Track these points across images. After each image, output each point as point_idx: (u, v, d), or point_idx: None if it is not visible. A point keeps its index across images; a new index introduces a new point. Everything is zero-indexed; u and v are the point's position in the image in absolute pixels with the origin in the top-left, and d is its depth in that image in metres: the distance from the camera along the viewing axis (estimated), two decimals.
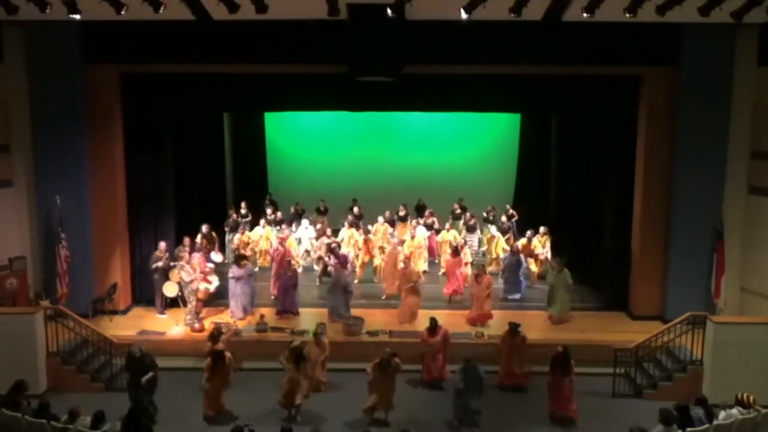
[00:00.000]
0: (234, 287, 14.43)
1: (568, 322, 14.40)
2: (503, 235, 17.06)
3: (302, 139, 21.10)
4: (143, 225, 15.50)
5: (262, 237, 17.01)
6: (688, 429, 9.06)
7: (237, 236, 17.07)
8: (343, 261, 15.13)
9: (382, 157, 20.51)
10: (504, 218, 17.76)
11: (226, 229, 17.80)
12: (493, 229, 16.88)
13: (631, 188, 14.95)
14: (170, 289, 14.66)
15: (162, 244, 14.83)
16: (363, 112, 18.64)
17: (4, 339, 11.81)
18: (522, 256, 15.85)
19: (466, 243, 16.66)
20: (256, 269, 16.19)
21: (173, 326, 14.20)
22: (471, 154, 20.82)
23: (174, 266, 14.61)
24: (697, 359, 12.29)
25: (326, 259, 15.73)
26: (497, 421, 11.34)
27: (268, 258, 16.07)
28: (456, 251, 15.52)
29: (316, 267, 16.93)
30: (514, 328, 12.26)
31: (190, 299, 14.10)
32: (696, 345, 12.36)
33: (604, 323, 14.49)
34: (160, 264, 14.58)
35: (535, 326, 13.85)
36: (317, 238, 16.98)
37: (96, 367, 12.62)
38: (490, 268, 16.17)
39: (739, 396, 9.86)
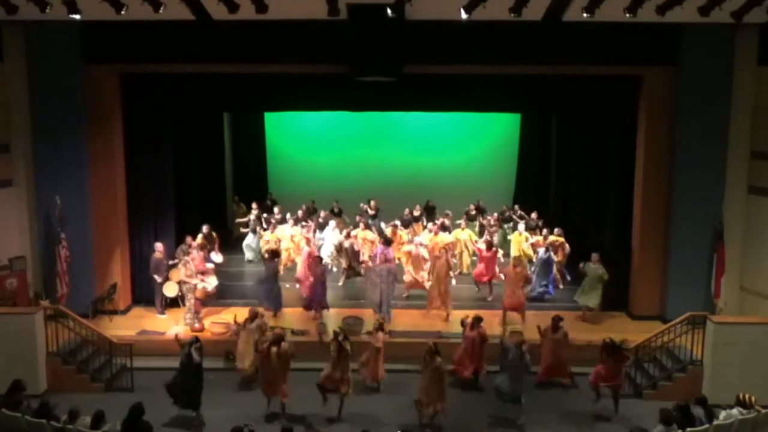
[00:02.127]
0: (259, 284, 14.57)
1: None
2: (532, 234, 16.87)
3: (302, 139, 21.09)
4: (143, 225, 15.51)
5: (287, 237, 16.75)
6: (688, 429, 9.06)
7: (268, 235, 16.90)
8: (390, 257, 15.12)
9: (381, 157, 20.50)
10: (534, 215, 17.65)
11: (246, 229, 17.78)
12: (521, 227, 16.80)
13: (631, 188, 14.96)
14: (170, 289, 14.67)
15: (159, 245, 14.81)
16: (363, 112, 18.64)
17: (4, 339, 11.81)
18: (552, 253, 15.61)
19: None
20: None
21: (173, 326, 14.19)
22: (471, 154, 20.81)
23: (174, 265, 14.62)
24: (697, 359, 12.29)
25: (379, 249, 15.44)
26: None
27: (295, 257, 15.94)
28: (490, 245, 15.49)
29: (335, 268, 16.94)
30: (556, 323, 12.27)
31: (187, 297, 14.08)
32: (696, 345, 12.36)
33: (604, 323, 14.49)
34: (159, 279, 14.58)
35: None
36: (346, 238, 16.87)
37: (96, 367, 12.61)
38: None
39: (740, 396, 9.85)
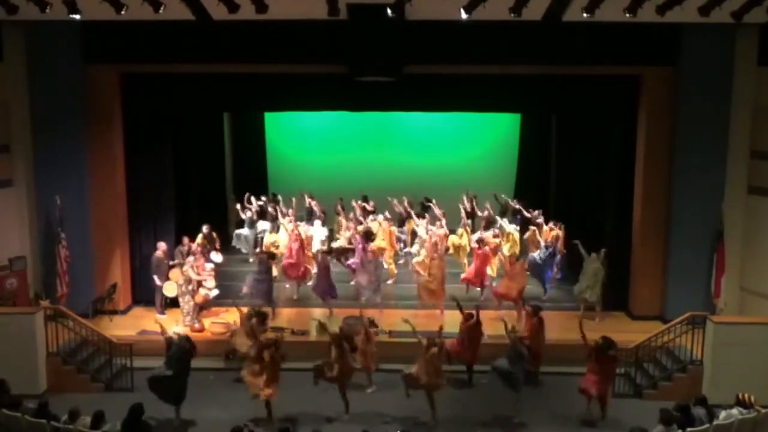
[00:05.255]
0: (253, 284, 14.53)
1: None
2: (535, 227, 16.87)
3: (302, 139, 21.06)
4: (143, 225, 15.51)
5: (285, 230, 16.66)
6: (688, 429, 9.06)
7: (267, 234, 16.97)
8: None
9: (381, 157, 20.47)
10: (535, 212, 17.60)
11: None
12: (506, 223, 16.88)
13: (631, 188, 14.96)
14: (170, 289, 14.65)
15: (162, 244, 14.82)
16: (363, 113, 18.62)
17: (4, 339, 11.80)
18: (556, 249, 15.57)
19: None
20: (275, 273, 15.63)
21: (173, 326, 14.18)
22: (471, 154, 20.78)
23: (175, 265, 14.62)
24: (697, 359, 12.30)
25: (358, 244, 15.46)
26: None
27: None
28: (482, 241, 15.48)
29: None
30: (536, 310, 12.52)
31: (185, 299, 14.07)
32: (696, 345, 12.37)
33: (604, 323, 14.48)
34: (158, 282, 14.58)
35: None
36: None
37: (96, 367, 12.62)
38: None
39: (740, 396, 9.85)
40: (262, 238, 17.38)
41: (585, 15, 11.12)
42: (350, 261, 15.34)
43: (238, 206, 17.86)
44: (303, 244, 15.53)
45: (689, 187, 14.05)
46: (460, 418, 11.45)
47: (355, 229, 16.13)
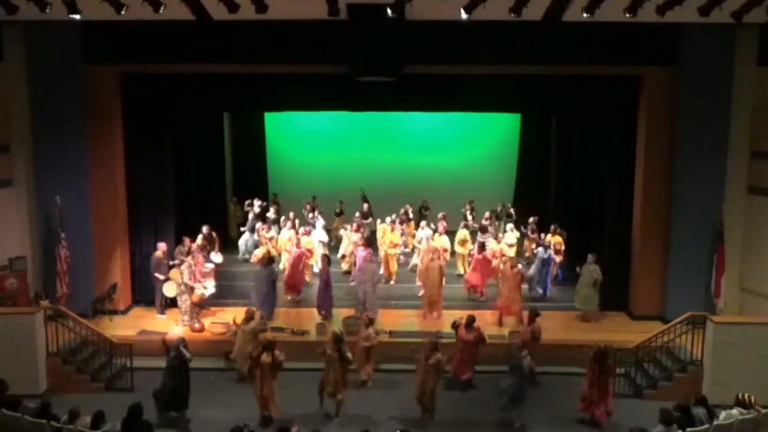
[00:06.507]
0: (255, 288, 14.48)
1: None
2: (531, 233, 16.97)
3: (302, 139, 21.08)
4: (143, 225, 15.52)
5: (284, 240, 16.66)
6: (688, 429, 9.06)
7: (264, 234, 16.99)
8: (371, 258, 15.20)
9: (381, 157, 20.49)
10: (531, 219, 17.65)
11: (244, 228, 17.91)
12: (509, 226, 16.92)
13: (631, 188, 14.97)
14: (170, 289, 14.65)
15: (162, 245, 14.83)
16: (363, 113, 18.63)
17: (4, 339, 11.81)
18: (552, 252, 15.69)
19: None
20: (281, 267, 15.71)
21: (173, 326, 14.19)
22: (471, 155, 20.80)
23: (174, 265, 14.61)
24: (697, 359, 12.30)
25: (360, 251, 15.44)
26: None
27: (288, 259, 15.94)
28: (482, 247, 15.48)
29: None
30: (534, 314, 12.54)
31: (182, 298, 14.07)
32: (696, 345, 12.37)
33: (604, 323, 14.50)
34: (161, 277, 14.59)
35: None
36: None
37: (96, 367, 12.63)
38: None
39: (740, 396, 9.85)
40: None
41: (585, 15, 11.11)
42: (352, 276, 15.39)
43: (246, 204, 17.88)
44: (302, 258, 15.44)
45: (689, 187, 14.05)
46: (460, 419, 11.46)
47: (357, 240, 16.14)
